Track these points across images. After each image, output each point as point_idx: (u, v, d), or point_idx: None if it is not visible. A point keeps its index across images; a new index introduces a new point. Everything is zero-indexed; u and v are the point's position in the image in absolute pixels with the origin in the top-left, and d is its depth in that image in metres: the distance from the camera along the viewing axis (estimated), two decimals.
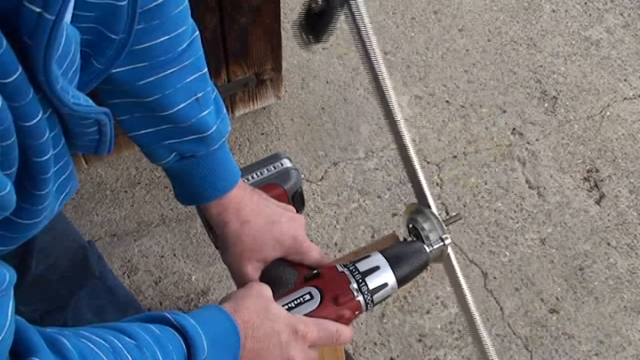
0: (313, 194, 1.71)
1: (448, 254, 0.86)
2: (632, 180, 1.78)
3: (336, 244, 1.64)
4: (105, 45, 0.53)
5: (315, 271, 0.77)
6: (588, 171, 1.79)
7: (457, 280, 0.89)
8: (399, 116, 0.87)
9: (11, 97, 0.42)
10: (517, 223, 1.69)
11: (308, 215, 1.67)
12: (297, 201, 0.90)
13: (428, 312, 1.55)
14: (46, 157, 0.48)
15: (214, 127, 0.74)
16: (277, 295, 0.73)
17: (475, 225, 1.69)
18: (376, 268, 0.76)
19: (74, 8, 0.50)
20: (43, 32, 0.41)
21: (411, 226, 0.88)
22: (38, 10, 0.40)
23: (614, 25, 2.10)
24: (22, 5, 0.40)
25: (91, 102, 0.51)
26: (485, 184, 1.76)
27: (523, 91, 1.94)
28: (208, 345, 0.59)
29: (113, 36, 0.53)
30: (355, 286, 0.74)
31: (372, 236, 1.66)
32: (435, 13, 2.11)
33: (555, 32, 2.08)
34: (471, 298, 0.90)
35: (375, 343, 1.50)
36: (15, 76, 0.41)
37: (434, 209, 0.87)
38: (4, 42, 0.39)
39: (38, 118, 0.45)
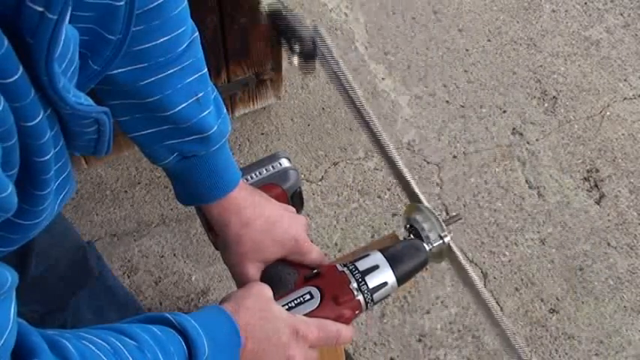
0: (313, 194, 1.71)
1: (451, 250, 0.85)
2: (632, 180, 1.78)
3: (336, 244, 1.64)
4: (102, 46, 0.53)
5: (315, 271, 0.77)
6: (588, 171, 1.79)
7: (466, 275, 0.87)
8: (375, 121, 0.87)
9: (12, 97, 0.41)
10: (517, 223, 1.69)
11: (308, 215, 1.66)
12: (296, 201, 0.89)
13: (428, 312, 1.55)
14: (47, 157, 0.48)
15: (215, 127, 0.74)
16: (277, 295, 0.73)
17: (475, 225, 1.69)
18: (375, 267, 0.76)
19: (72, 8, 0.50)
20: (45, 31, 0.41)
21: (410, 225, 0.88)
22: (40, 9, 0.40)
23: (614, 25, 2.10)
24: (23, 4, 0.40)
25: (91, 101, 0.51)
26: (486, 184, 1.76)
27: (523, 91, 1.94)
28: (209, 346, 0.59)
29: (110, 37, 0.53)
30: (355, 285, 0.74)
31: (372, 236, 1.66)
32: (435, 13, 2.11)
33: (555, 32, 2.08)
34: (484, 290, 0.88)
35: (375, 343, 1.50)
36: (16, 76, 0.41)
37: (426, 204, 0.87)
38: (5, 42, 0.39)
39: (39, 118, 0.45)
